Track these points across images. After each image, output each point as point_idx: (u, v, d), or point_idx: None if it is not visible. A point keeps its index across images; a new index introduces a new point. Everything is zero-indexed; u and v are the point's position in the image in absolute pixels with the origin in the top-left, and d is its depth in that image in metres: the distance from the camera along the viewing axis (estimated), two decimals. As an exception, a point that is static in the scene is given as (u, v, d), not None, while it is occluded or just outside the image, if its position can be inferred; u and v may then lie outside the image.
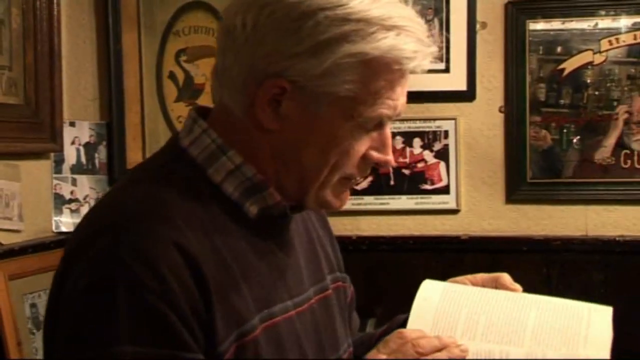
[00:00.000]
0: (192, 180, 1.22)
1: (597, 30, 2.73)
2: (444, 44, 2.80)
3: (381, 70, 1.19)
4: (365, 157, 1.24)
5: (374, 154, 1.25)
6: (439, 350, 1.27)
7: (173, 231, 1.13)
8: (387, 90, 1.20)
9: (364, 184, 2.84)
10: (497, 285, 1.41)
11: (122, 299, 1.08)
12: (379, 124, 1.23)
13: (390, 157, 1.27)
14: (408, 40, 1.19)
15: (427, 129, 2.83)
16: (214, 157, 1.23)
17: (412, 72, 1.21)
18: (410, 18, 1.20)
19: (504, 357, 1.26)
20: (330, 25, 1.15)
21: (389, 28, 1.17)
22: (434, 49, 1.22)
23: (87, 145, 2.92)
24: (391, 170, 2.84)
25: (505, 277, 1.42)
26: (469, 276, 1.44)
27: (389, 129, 1.26)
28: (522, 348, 1.26)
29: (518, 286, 1.41)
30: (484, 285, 1.42)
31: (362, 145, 1.23)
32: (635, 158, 2.73)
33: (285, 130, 1.21)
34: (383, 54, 1.17)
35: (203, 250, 1.15)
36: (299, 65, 1.17)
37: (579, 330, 1.27)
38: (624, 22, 2.72)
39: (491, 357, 1.27)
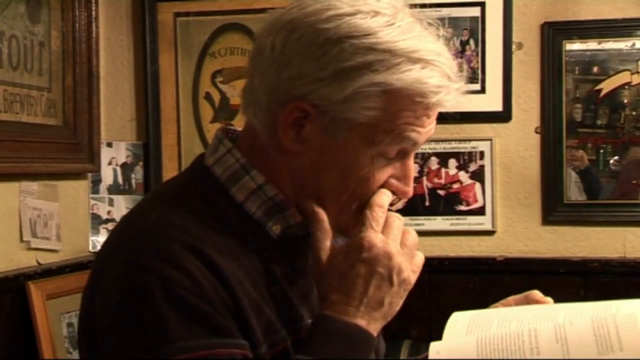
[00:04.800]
0: (215, 199, 1.23)
1: (634, 51, 2.72)
2: (480, 65, 2.80)
3: (404, 101, 1.18)
4: (385, 186, 1.25)
5: (394, 183, 1.25)
6: None
7: (194, 240, 1.14)
8: (410, 119, 1.20)
9: (399, 205, 2.83)
10: (529, 301, 1.40)
11: (159, 300, 1.10)
12: (402, 154, 1.23)
13: (409, 189, 1.27)
14: (433, 74, 1.18)
15: (463, 150, 2.83)
16: (236, 176, 1.24)
17: (438, 106, 1.21)
18: (438, 52, 1.20)
19: (532, 336, 1.25)
20: (355, 53, 1.16)
21: (415, 61, 1.17)
22: (461, 84, 1.21)
23: (124, 166, 2.95)
24: (426, 191, 2.83)
25: (536, 293, 1.41)
26: (501, 301, 1.44)
27: (411, 160, 1.26)
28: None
29: (549, 299, 1.41)
30: (516, 305, 1.41)
31: (383, 174, 1.23)
32: (674, 179, 2.70)
33: (306, 153, 1.21)
34: (406, 86, 1.17)
35: (226, 261, 1.15)
36: (321, 89, 1.17)
37: (609, 310, 1.27)
38: (662, 42, 2.70)
39: (520, 338, 1.25)
